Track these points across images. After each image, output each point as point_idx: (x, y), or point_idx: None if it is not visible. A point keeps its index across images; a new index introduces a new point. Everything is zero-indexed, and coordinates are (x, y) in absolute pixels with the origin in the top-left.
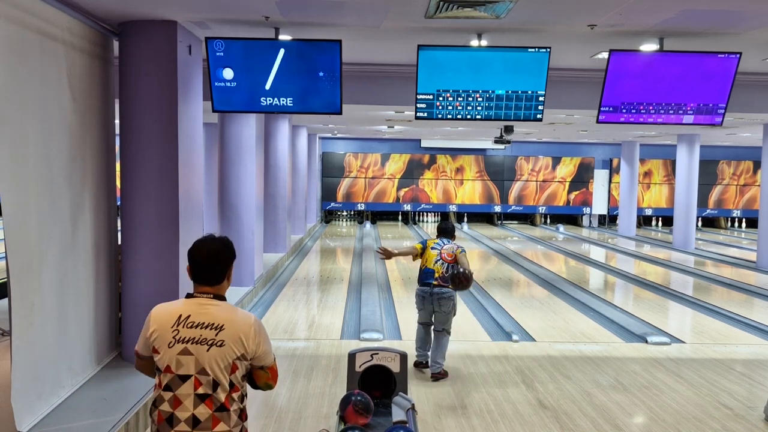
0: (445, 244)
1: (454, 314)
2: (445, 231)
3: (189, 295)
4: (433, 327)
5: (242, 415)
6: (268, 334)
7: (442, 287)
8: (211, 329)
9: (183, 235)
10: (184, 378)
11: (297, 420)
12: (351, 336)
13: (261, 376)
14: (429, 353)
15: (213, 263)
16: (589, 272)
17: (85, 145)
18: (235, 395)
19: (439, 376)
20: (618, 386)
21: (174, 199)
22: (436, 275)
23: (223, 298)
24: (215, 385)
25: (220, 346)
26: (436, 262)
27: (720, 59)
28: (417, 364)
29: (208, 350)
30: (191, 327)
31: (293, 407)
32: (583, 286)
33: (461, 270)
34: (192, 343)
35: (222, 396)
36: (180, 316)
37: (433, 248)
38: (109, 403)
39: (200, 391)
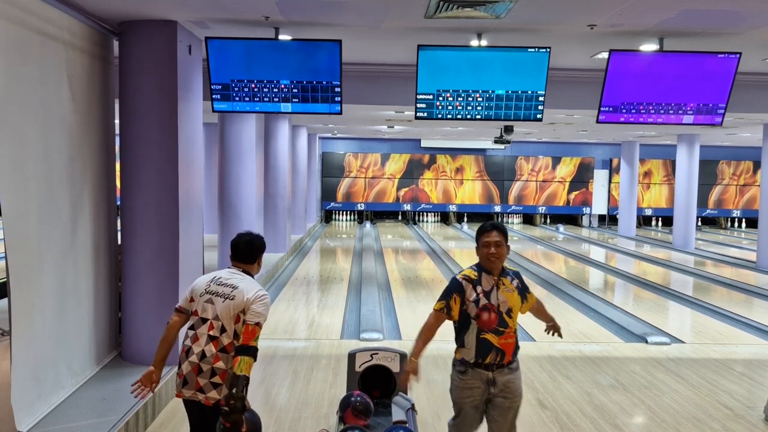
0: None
1: None
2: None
3: (228, 267)
4: None
5: None
6: (268, 326)
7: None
8: (229, 287)
9: (183, 235)
10: (204, 321)
11: (297, 420)
12: (351, 336)
13: (239, 329)
14: None
15: (248, 247)
16: (589, 272)
17: (84, 145)
18: (236, 342)
19: None
20: (618, 386)
21: (174, 199)
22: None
23: (250, 275)
24: (222, 330)
25: (232, 299)
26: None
27: (720, 59)
28: None
29: (223, 302)
30: (219, 284)
31: (293, 407)
32: (583, 286)
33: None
34: (215, 296)
35: (225, 340)
36: (215, 276)
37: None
38: (108, 403)
39: (212, 333)
